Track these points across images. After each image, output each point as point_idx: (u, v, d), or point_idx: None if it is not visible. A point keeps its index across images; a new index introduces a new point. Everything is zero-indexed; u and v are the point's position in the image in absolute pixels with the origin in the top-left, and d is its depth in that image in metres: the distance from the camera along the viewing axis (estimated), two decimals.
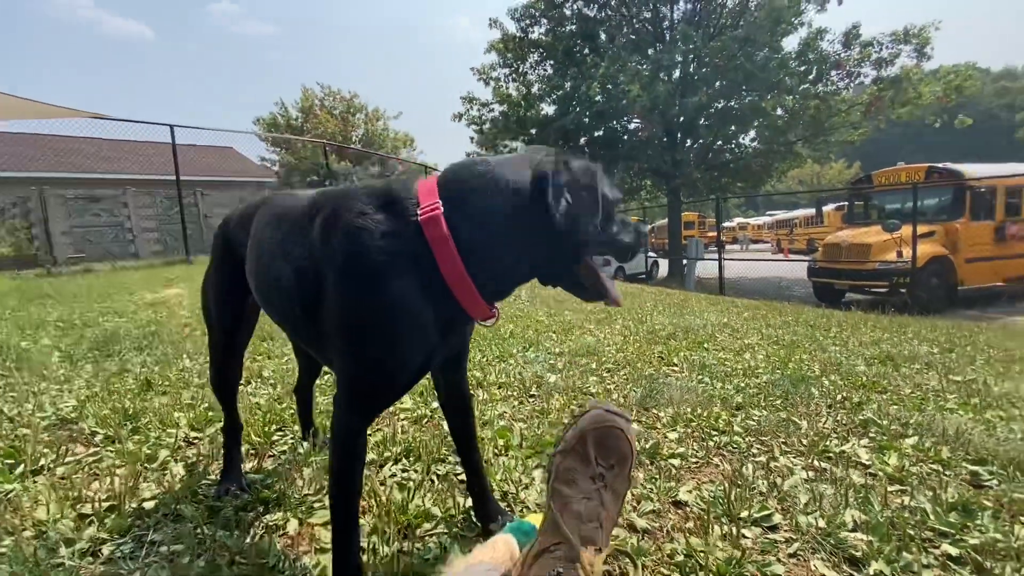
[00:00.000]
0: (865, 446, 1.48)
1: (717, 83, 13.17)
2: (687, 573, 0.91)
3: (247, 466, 1.33)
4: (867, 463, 1.38)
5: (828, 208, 19.78)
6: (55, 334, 3.23)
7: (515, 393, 1.96)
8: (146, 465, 1.36)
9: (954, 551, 0.98)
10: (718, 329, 3.51)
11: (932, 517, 1.09)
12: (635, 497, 1.19)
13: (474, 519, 1.08)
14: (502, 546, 0.83)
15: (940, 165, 8.38)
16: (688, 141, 14.70)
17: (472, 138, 16.46)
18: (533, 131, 15.30)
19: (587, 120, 14.34)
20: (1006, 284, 7.92)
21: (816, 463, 1.37)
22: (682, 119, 13.47)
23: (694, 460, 1.40)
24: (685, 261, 13.85)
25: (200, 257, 9.25)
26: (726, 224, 32.92)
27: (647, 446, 1.43)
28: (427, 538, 1.03)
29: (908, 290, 7.29)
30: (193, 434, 1.58)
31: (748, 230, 31.85)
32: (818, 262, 8.98)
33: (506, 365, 2.36)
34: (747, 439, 1.52)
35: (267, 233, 0.96)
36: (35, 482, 1.28)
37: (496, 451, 1.41)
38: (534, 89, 15.33)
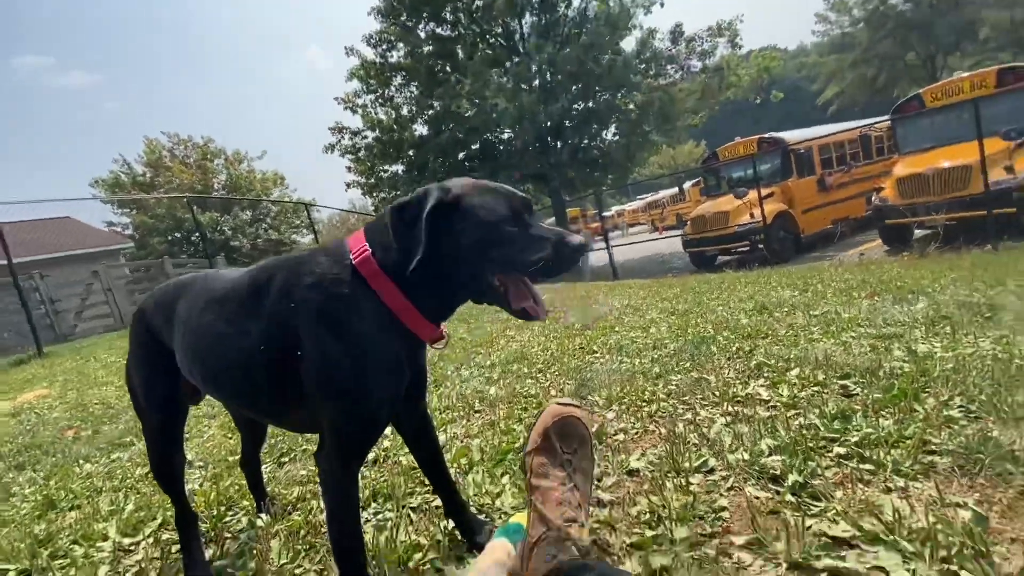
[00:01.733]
0: (762, 385, 1.77)
1: (574, 87, 14.18)
2: (655, 526, 1.06)
3: (208, 553, 1.26)
4: (767, 399, 1.65)
5: (688, 185, 22.13)
6: None
7: (461, 413, 2.03)
8: None
9: (842, 450, 1.23)
10: (623, 312, 3.84)
11: (822, 428, 1.35)
12: (596, 476, 1.32)
13: (460, 537, 1.14)
14: (499, 549, 0.91)
15: (767, 135, 9.84)
16: (558, 143, 15.62)
17: (349, 167, 16.01)
18: (411, 152, 15.29)
19: (461, 136, 14.66)
20: (833, 225, 9.47)
21: (730, 408, 1.61)
22: (549, 124, 14.30)
23: (634, 432, 1.57)
24: None
25: (53, 347, 8.00)
26: (606, 214, 35.30)
27: (593, 430, 1.58)
28: (422, 568, 1.07)
29: (764, 245, 8.44)
30: (126, 541, 1.44)
31: (625, 216, 34.45)
32: (688, 235, 10.05)
33: (445, 388, 2.41)
34: (671, 403, 1.74)
35: (206, 318, 0.95)
36: None
37: (461, 470, 1.47)
38: (404, 111, 15.34)
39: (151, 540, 1.41)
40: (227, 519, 1.46)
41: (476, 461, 1.51)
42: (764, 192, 8.63)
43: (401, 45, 14.69)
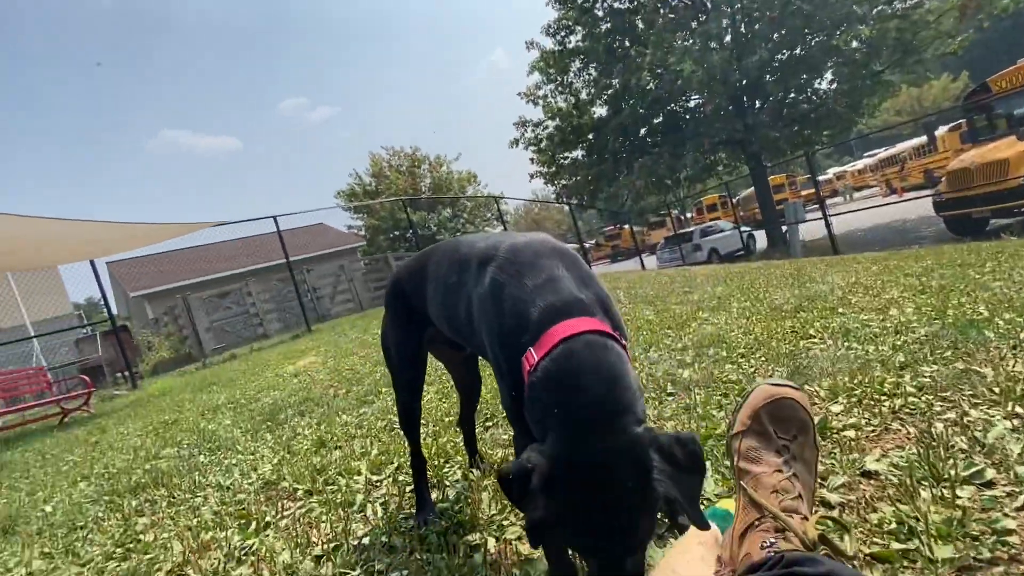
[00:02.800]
0: None
1: (775, 35, 12.36)
2: (904, 540, 0.87)
3: (433, 496, 1.47)
4: None
5: (941, 131, 17.47)
6: (229, 414, 3.74)
7: (652, 394, 1.97)
8: (347, 510, 1.55)
9: None
10: (848, 291, 3.24)
11: None
12: (819, 474, 1.15)
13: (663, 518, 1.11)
14: (706, 533, 0.85)
15: None
16: (757, 103, 13.83)
17: (532, 159, 16.75)
18: (591, 136, 15.26)
19: (643, 111, 14.06)
20: None
21: (1018, 410, 1.23)
22: (744, 82, 12.75)
23: (870, 429, 1.32)
24: (785, 228, 12.89)
25: (318, 326, 10.21)
26: (821, 177, 30.16)
27: (816, 421, 1.38)
28: None
29: None
30: (374, 478, 1.76)
31: (848, 178, 28.92)
32: (944, 194, 7.96)
33: (636, 369, 2.37)
34: (924, 398, 1.41)
35: (450, 277, 1.10)
36: (267, 535, 1.50)
37: None
38: (583, 96, 15.35)
39: (391, 479, 1.70)
40: (445, 470, 1.68)
41: None
42: None
43: (579, 28, 14.65)
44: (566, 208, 19.30)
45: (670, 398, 1.90)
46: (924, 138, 15.99)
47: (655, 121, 14.86)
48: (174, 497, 2.08)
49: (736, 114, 13.47)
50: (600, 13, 14.43)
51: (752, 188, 17.15)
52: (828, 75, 13.31)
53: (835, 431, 1.34)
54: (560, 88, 15.60)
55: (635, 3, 14.13)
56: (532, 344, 0.81)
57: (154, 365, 13.37)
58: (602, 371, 0.75)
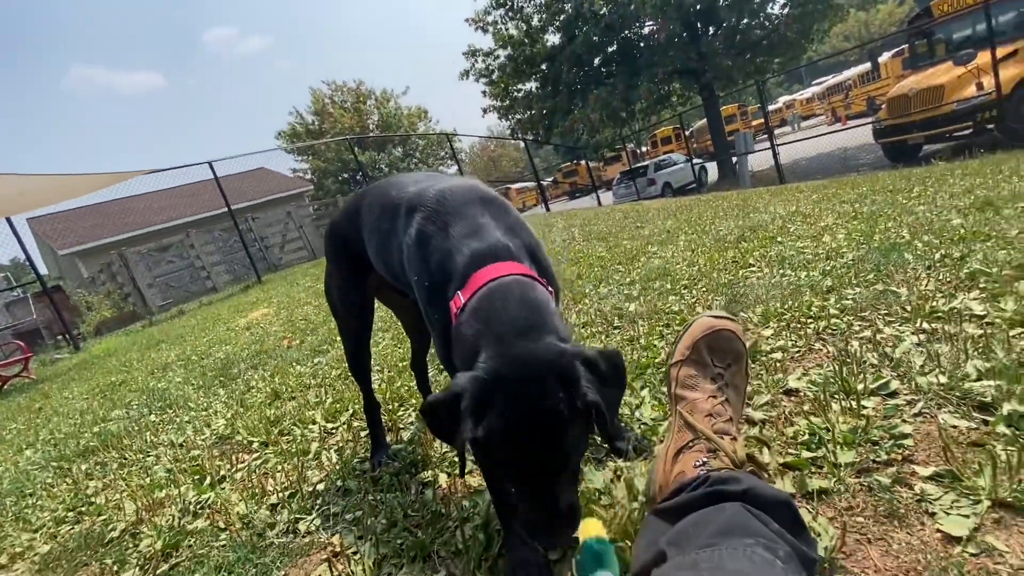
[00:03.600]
0: (975, 299, 1.43)
1: None
2: (814, 449, 0.96)
3: (388, 440, 1.50)
4: (981, 314, 1.33)
5: (884, 58, 17.79)
6: (180, 371, 3.64)
7: (600, 328, 2.03)
8: (302, 458, 1.56)
9: None
10: (788, 219, 3.37)
11: None
12: (747, 395, 1.23)
13: (601, 443, 1.17)
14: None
15: None
16: (711, 29, 13.58)
17: (484, 92, 16.07)
18: (544, 67, 14.71)
19: (596, 38, 13.56)
20: None
21: (925, 325, 1.35)
22: (698, 7, 12.41)
23: (795, 350, 1.41)
24: (735, 159, 13.09)
25: (268, 276, 9.87)
26: (770, 107, 30.46)
27: (748, 346, 1.46)
28: None
29: (996, 124, 6.54)
30: (328, 425, 1.78)
31: (796, 107, 29.34)
32: (883, 121, 8.21)
33: (583, 305, 2.43)
34: (845, 319, 1.51)
35: (381, 223, 1.07)
36: (223, 488, 1.51)
37: None
38: (534, 22, 14.61)
39: (346, 427, 1.72)
40: (399, 414, 1.70)
41: None
42: (1002, 52, 6.55)
43: None
44: (522, 144, 18.86)
45: (616, 331, 1.96)
46: (868, 65, 16.28)
47: (609, 50, 14.41)
48: (125, 458, 2.04)
49: (690, 41, 13.22)
50: None
51: (705, 120, 17.18)
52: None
53: (764, 354, 1.43)
54: (511, 14, 14.78)
55: None
56: (459, 289, 0.81)
57: (96, 326, 12.70)
58: (527, 300, 0.77)
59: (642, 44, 14.23)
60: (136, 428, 2.45)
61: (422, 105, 25.19)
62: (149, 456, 1.99)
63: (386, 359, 2.38)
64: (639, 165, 18.75)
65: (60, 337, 10.95)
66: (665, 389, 1.34)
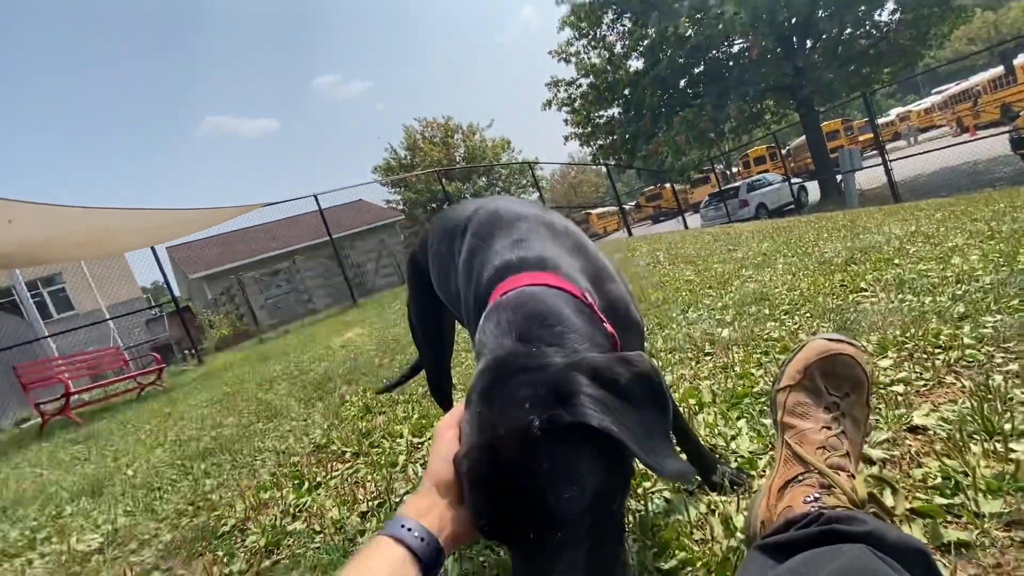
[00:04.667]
0: None
1: None
2: (949, 495, 0.83)
3: None
4: None
5: (1021, 60, 15.69)
6: (284, 384, 3.97)
7: (689, 355, 1.93)
8: (390, 470, 1.62)
9: None
10: (907, 240, 3.03)
11: None
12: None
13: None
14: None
15: None
16: (808, 42, 12.83)
17: (566, 121, 16.30)
18: (626, 92, 14.67)
19: (682, 60, 13.32)
20: None
21: None
22: (794, 20, 11.81)
23: (920, 383, 1.25)
24: (840, 177, 12.10)
25: (364, 300, 10.55)
26: (880, 120, 27.89)
27: (869, 374, 1.32)
28: (651, 495, 1.08)
29: None
30: (415, 440, 1.84)
31: (912, 119, 26.62)
32: (1022, 129, 7.20)
33: (669, 331, 2.33)
34: (984, 349, 1.31)
35: (441, 247, 1.06)
36: (319, 494, 1.61)
37: (690, 411, 1.41)
38: (617, 49, 14.69)
39: (431, 442, 1.76)
40: None
41: (707, 402, 1.42)
42: None
43: None
44: (603, 170, 18.80)
45: (707, 357, 1.86)
46: (1001, 68, 14.39)
47: (696, 71, 14.08)
48: (236, 461, 2.25)
49: (784, 56, 12.57)
50: None
51: (803, 137, 16.09)
52: (890, 4, 12.12)
53: (883, 387, 1.27)
54: (593, 43, 14.99)
55: None
56: (486, 304, 0.71)
57: (217, 342, 14.25)
58: (540, 312, 0.62)
59: (731, 63, 13.74)
60: (246, 434, 2.69)
61: (506, 136, 26.16)
62: (256, 460, 2.18)
63: (468, 380, 2.43)
64: (730, 186, 17.90)
65: (187, 352, 12.42)
66: (766, 421, 1.24)
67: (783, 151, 17.50)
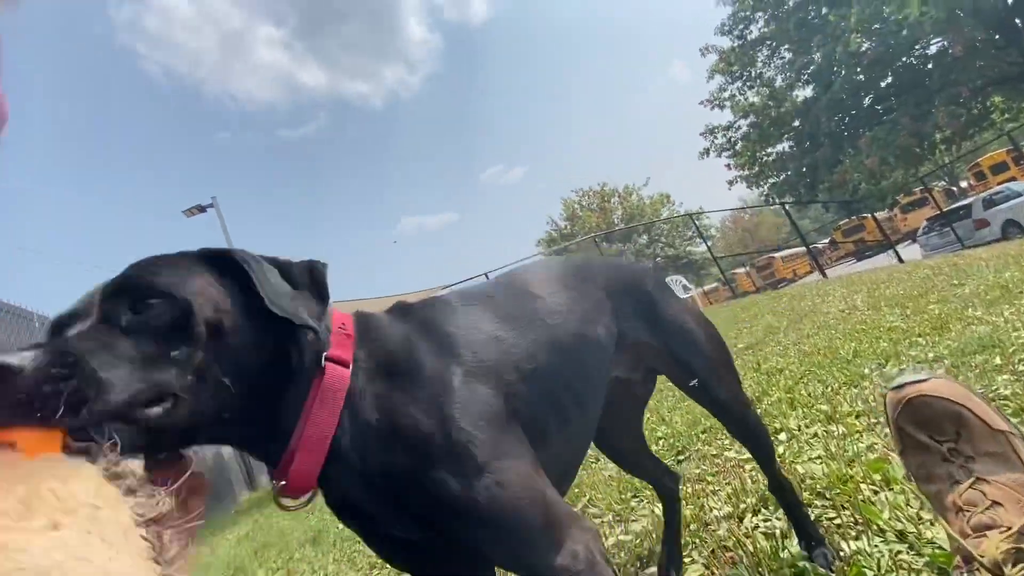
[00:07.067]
0: None
1: None
2: None
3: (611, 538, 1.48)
4: None
5: None
6: None
7: (882, 420, 1.61)
8: None
9: None
10: None
11: None
12: None
13: None
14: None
15: None
16: None
17: (728, 165, 15.44)
18: (796, 123, 13.42)
19: (861, 77, 11.81)
20: None
21: None
22: (1010, 1, 9.73)
23: None
24: None
25: None
26: None
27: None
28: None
29: None
30: None
31: None
32: None
33: (859, 390, 1.98)
34: None
35: None
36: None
37: (874, 488, 1.18)
38: (777, 83, 13.73)
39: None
40: (632, 504, 1.66)
41: (895, 479, 1.18)
42: None
43: (759, 16, 13.34)
44: (782, 209, 17.08)
45: None
46: None
47: (882, 84, 12.30)
48: None
49: (1006, 43, 10.27)
50: None
51: None
52: None
53: None
54: (749, 83, 14.28)
55: None
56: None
57: None
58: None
59: (930, 65, 11.70)
60: None
61: (664, 191, 25.72)
62: None
63: None
64: (956, 205, 14.59)
65: None
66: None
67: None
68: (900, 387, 0.72)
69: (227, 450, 8.46)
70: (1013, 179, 16.70)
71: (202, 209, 11.32)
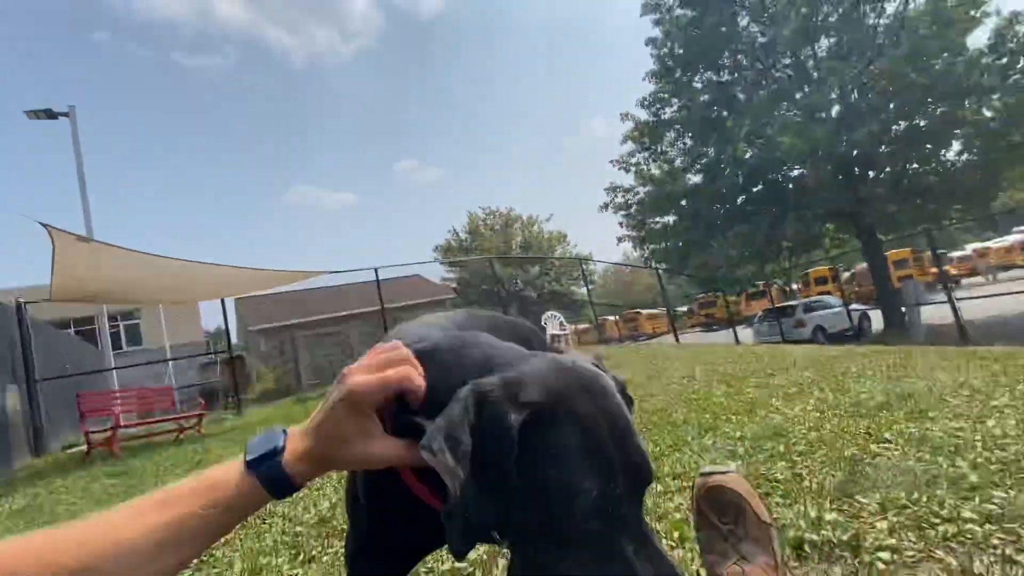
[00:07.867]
0: None
1: (891, 105, 11.71)
2: None
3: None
4: None
5: None
6: None
7: (691, 484, 1.92)
8: None
9: None
10: (950, 392, 2.90)
11: None
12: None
13: None
14: None
15: None
16: (870, 173, 12.97)
17: (620, 223, 16.87)
18: (683, 202, 15.14)
19: (740, 180, 13.75)
20: None
21: None
22: (855, 153, 12.08)
23: (909, 554, 1.21)
24: (904, 308, 11.62)
25: None
26: (956, 254, 26.81)
27: (844, 537, 1.30)
28: None
29: None
30: None
31: (990, 256, 25.44)
32: None
33: (680, 454, 2.31)
34: (985, 527, 1.27)
35: None
36: (311, 567, 1.67)
37: (672, 544, 1.42)
38: (676, 163, 15.42)
39: None
40: None
41: (689, 538, 1.42)
42: None
43: (675, 101, 14.98)
44: (655, 273, 19.00)
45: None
46: None
47: (754, 190, 14.43)
48: (247, 521, 2.35)
49: (846, 185, 12.72)
50: (699, 85, 14.68)
51: (864, 264, 15.73)
52: (956, 145, 12.21)
53: (869, 551, 1.25)
54: (653, 156, 15.84)
55: (735, 75, 14.22)
56: None
57: (259, 394, 14.79)
58: None
59: (790, 186, 14.03)
60: None
61: (562, 230, 27.32)
62: (265, 523, 2.27)
63: None
64: (786, 304, 17.46)
65: (229, 399, 12.96)
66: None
67: (848, 273, 17.05)
68: (709, 474, 0.92)
69: (12, 401, 7.01)
70: (828, 293, 20.52)
71: (52, 115, 9.54)
